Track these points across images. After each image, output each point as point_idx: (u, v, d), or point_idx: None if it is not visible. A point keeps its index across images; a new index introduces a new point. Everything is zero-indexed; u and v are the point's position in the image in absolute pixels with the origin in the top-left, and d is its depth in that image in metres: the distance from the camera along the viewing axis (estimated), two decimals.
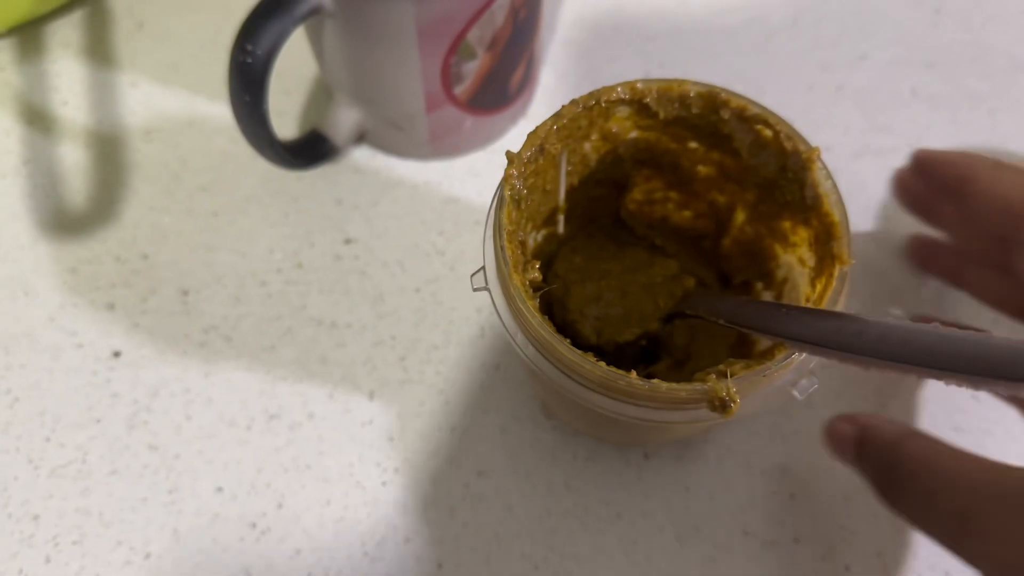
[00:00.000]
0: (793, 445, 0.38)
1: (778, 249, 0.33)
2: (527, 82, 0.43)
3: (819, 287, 0.29)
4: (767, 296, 0.34)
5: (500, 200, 0.29)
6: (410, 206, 0.43)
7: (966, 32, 0.49)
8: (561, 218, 0.36)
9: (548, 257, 0.37)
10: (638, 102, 0.31)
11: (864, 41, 0.48)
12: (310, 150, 0.41)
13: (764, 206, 0.32)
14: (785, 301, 0.33)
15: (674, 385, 0.26)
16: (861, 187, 0.44)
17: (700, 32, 0.49)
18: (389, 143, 0.43)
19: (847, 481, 0.37)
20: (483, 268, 0.29)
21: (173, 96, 0.47)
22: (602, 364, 0.26)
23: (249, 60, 0.34)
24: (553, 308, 0.36)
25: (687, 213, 0.37)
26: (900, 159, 0.44)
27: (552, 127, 0.30)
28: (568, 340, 0.27)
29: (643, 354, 0.36)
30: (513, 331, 0.29)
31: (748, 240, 0.35)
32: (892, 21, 0.49)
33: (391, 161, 0.44)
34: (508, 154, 0.29)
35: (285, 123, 0.46)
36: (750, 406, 0.27)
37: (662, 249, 0.37)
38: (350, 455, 0.38)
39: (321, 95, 0.47)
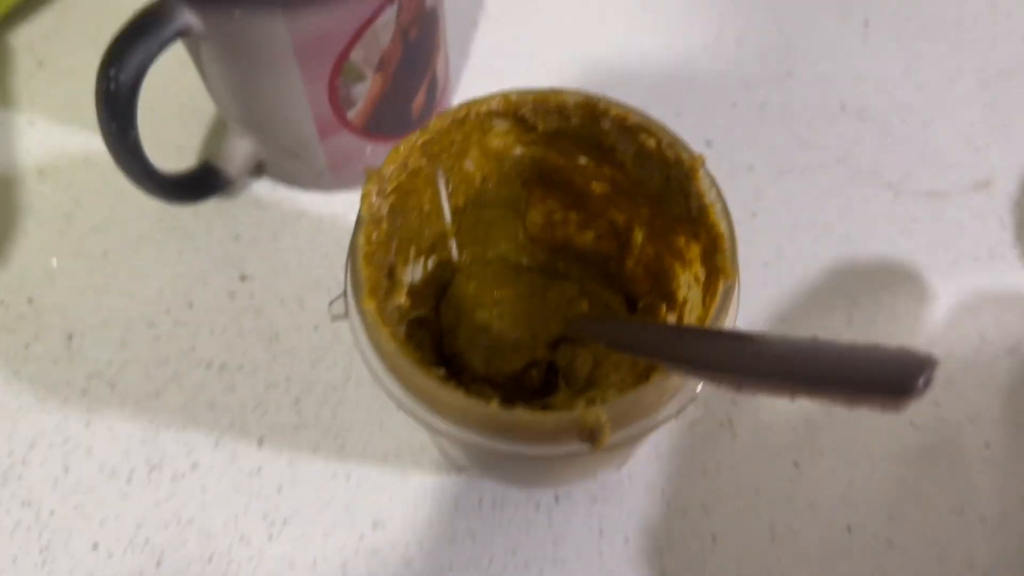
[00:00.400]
0: (716, 481, 0.35)
1: (677, 268, 0.31)
2: (431, 108, 0.41)
3: (707, 305, 0.26)
4: (671, 318, 0.32)
5: (358, 220, 0.26)
6: (312, 240, 0.41)
7: (896, 44, 0.47)
8: (453, 242, 0.33)
9: (442, 285, 0.35)
10: (514, 114, 0.29)
11: (789, 57, 0.47)
12: (200, 182, 0.39)
13: (658, 221, 0.30)
14: (686, 322, 0.30)
15: (539, 414, 0.23)
16: (787, 206, 0.41)
17: (617, 52, 0.47)
18: (289, 174, 0.41)
19: (774, 520, 0.34)
20: (343, 295, 0.27)
21: (71, 134, 0.45)
22: (461, 393, 0.24)
23: (113, 87, 0.32)
24: (444, 340, 0.33)
25: (589, 234, 0.34)
26: (829, 176, 0.42)
27: (416, 142, 0.28)
28: (443, 371, 0.25)
29: (545, 386, 0.33)
30: (374, 365, 0.26)
31: (650, 260, 0.32)
32: (819, 35, 0.48)
33: (293, 193, 0.42)
34: (367, 171, 0.27)
35: (184, 157, 0.44)
36: (626, 435, 0.24)
37: (565, 274, 0.35)
38: (235, 507, 0.35)
39: (222, 128, 0.45)
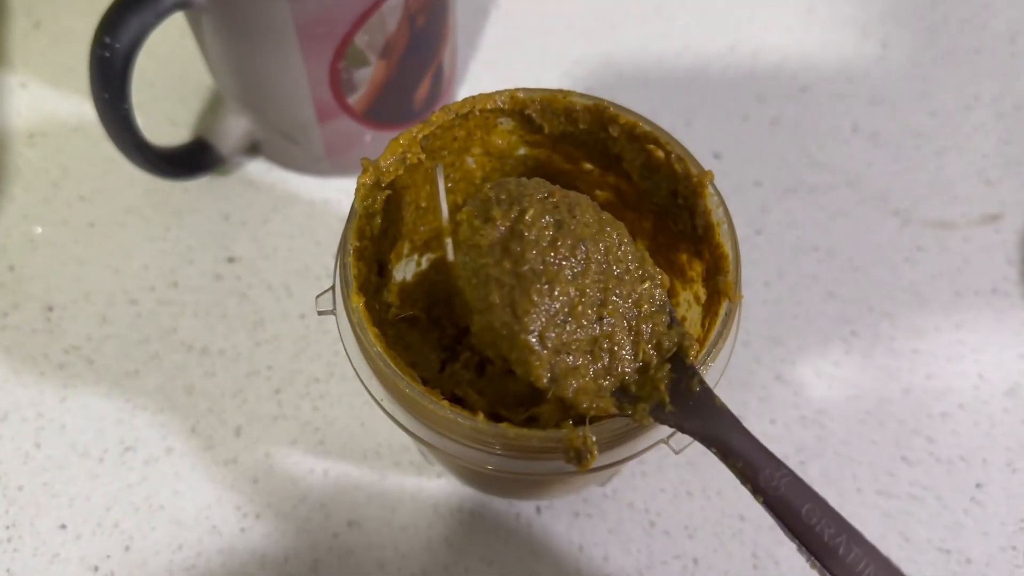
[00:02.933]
0: (700, 503, 0.34)
1: (678, 285, 0.30)
2: (436, 98, 0.40)
3: (707, 326, 0.25)
4: None
5: (351, 213, 0.25)
6: (304, 225, 0.40)
7: (914, 68, 0.46)
8: (449, 241, 0.32)
9: (434, 285, 0.33)
10: (520, 113, 0.28)
11: (805, 73, 0.46)
12: (192, 158, 0.38)
13: (661, 236, 0.29)
14: None
15: (524, 431, 0.22)
16: (792, 225, 0.40)
17: (631, 56, 0.46)
18: (284, 156, 0.40)
19: (757, 547, 0.33)
20: (332, 288, 0.26)
21: (64, 99, 0.44)
22: (446, 404, 0.23)
23: (107, 54, 0.31)
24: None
25: None
26: (837, 198, 0.41)
27: (417, 135, 0.27)
28: (416, 377, 0.24)
29: (529, 399, 0.32)
30: (359, 365, 0.25)
31: None
32: (836, 54, 0.47)
33: (287, 176, 0.41)
34: (363, 161, 0.26)
35: (178, 132, 0.42)
36: (614, 458, 0.24)
37: None
38: (208, 496, 0.34)
39: (218, 104, 0.43)
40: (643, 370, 0.23)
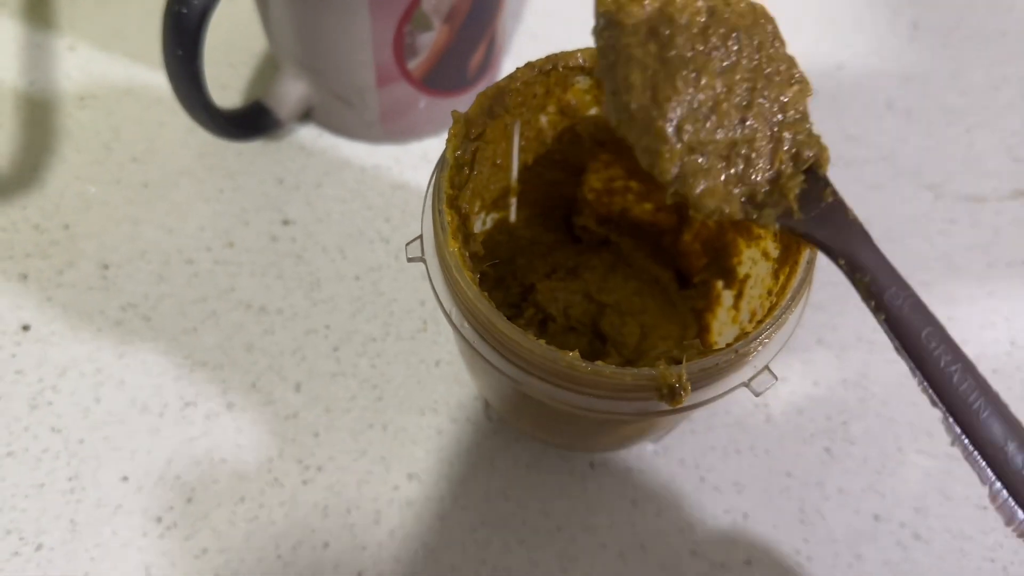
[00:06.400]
0: (750, 461, 0.35)
1: (741, 243, 0.31)
2: (487, 67, 0.41)
3: (782, 278, 0.26)
4: (726, 295, 0.32)
5: (442, 162, 0.26)
6: (356, 190, 0.41)
7: (944, 48, 0.47)
8: (513, 201, 0.33)
9: (496, 243, 0.34)
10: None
11: (840, 50, 0.47)
12: (250, 121, 0.38)
13: None
14: (746, 299, 0.30)
15: (619, 369, 0.23)
16: None
17: None
18: (338, 121, 0.41)
19: (804, 502, 0.34)
20: (420, 237, 0.27)
21: (113, 62, 0.44)
22: (543, 342, 0.24)
23: (184, 10, 0.31)
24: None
25: (648, 206, 0.34)
26: (872, 172, 0.43)
27: (504, 89, 0.27)
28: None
29: (590, 354, 0.33)
30: (449, 306, 0.26)
31: (710, 235, 0.32)
32: (869, 33, 0.48)
33: (339, 142, 0.42)
34: (454, 114, 0.26)
35: (228, 96, 0.43)
36: (701, 398, 0.25)
37: (616, 246, 0.35)
38: (270, 450, 0.34)
39: (269, 71, 0.44)
40: (775, 179, 0.22)
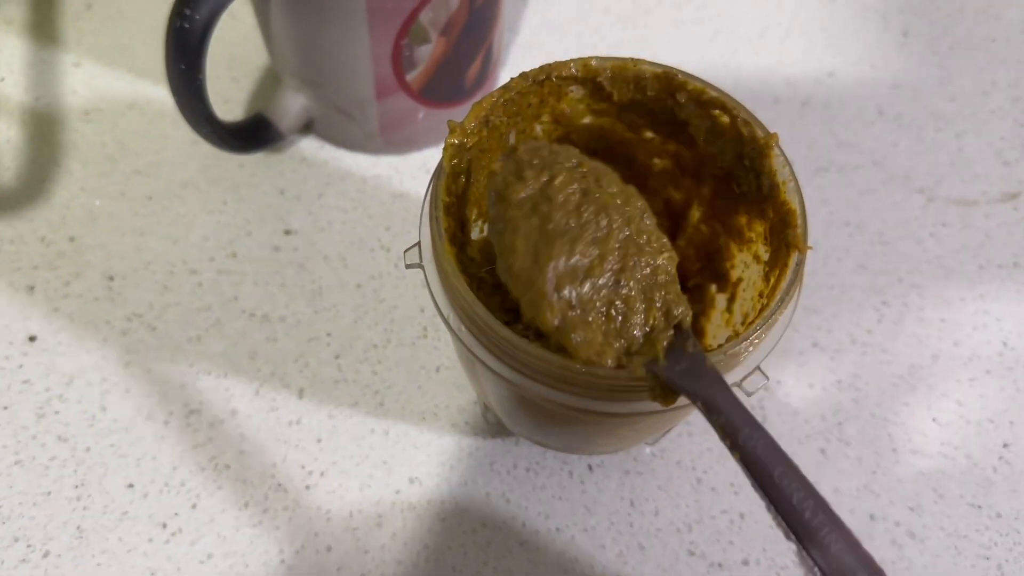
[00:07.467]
0: None
1: (733, 247, 0.31)
2: (484, 78, 0.41)
3: (772, 280, 0.27)
4: (720, 298, 0.32)
5: (439, 171, 0.27)
6: (357, 200, 0.41)
7: (933, 55, 0.48)
8: None
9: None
10: (592, 80, 0.29)
11: (831, 58, 0.48)
12: (252, 134, 0.39)
13: (720, 201, 0.31)
14: (738, 302, 0.31)
15: (613, 371, 0.24)
16: (823, 203, 0.42)
17: (664, 41, 0.48)
18: (338, 133, 0.42)
19: None
20: (418, 244, 0.27)
21: (117, 78, 0.45)
22: (536, 345, 0.24)
23: (187, 25, 0.32)
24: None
25: None
26: (864, 177, 0.43)
27: (499, 99, 0.28)
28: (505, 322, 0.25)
29: None
30: (447, 311, 0.27)
31: (703, 240, 0.33)
32: (860, 40, 0.49)
33: (340, 153, 0.42)
34: (450, 123, 0.27)
35: (231, 109, 0.44)
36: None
37: None
38: (273, 455, 0.35)
39: (270, 84, 0.45)
40: (648, 333, 0.25)
